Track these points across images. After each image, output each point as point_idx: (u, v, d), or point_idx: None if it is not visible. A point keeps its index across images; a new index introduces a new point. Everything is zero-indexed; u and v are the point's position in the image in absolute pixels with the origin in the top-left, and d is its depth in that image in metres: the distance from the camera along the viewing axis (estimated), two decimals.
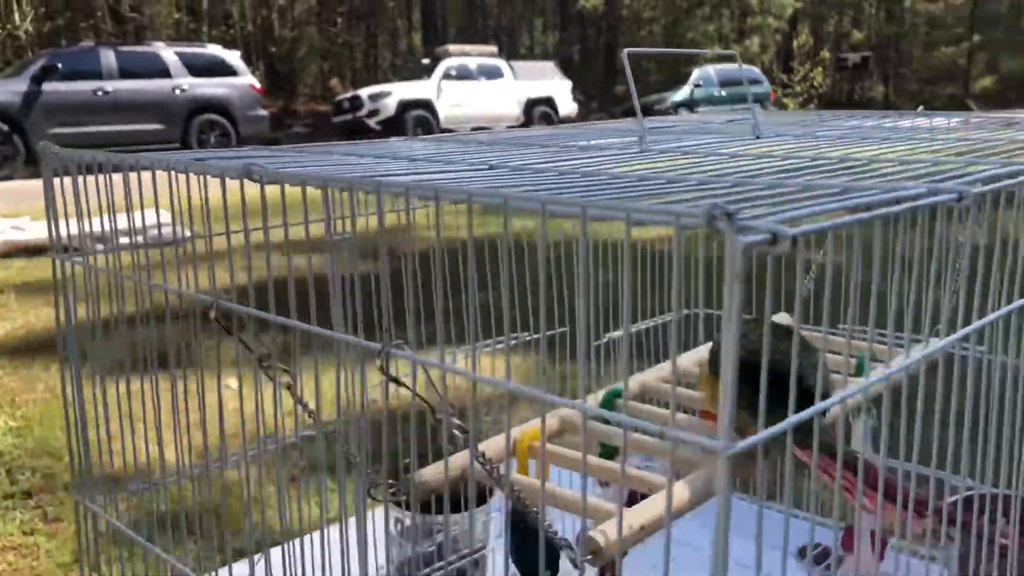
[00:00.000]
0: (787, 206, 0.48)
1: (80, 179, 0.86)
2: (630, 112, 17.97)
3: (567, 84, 16.59)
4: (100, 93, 11.63)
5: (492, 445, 0.84)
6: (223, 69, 12.76)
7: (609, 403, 0.93)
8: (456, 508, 1.13)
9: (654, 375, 0.99)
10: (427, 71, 15.54)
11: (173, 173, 0.74)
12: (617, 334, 1.38)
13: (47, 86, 11.26)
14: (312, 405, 0.74)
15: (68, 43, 16.49)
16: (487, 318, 1.09)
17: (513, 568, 0.95)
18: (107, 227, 0.86)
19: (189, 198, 0.73)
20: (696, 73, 17.62)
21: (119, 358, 0.88)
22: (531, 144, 1.03)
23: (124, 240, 0.86)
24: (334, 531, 0.77)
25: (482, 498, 1.15)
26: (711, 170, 0.73)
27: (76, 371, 0.92)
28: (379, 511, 1.00)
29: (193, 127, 12.40)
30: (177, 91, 12.27)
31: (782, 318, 1.28)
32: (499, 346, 1.22)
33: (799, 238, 0.40)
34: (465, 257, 0.52)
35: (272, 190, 0.65)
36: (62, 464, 2.43)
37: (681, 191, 0.56)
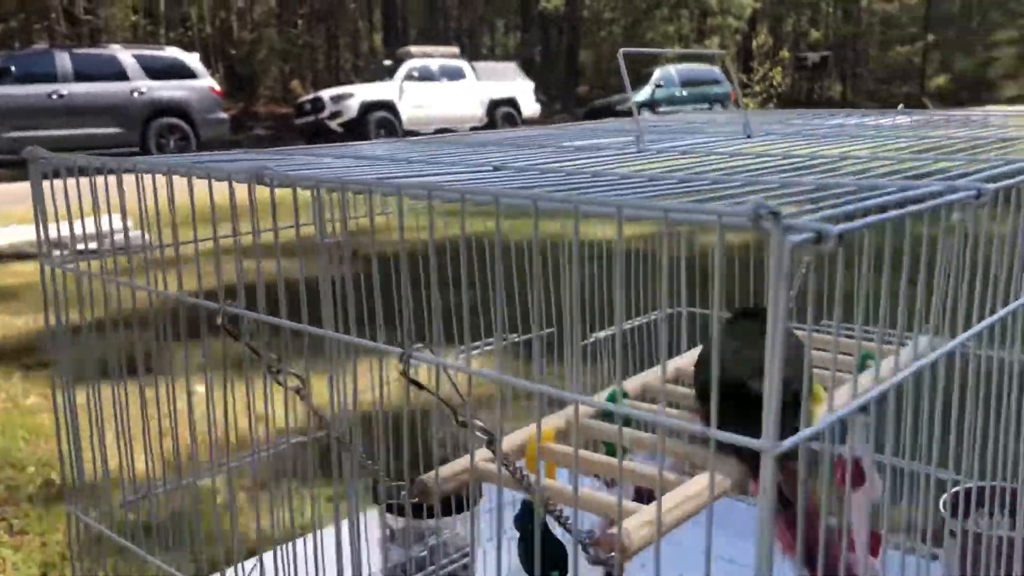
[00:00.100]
0: (826, 204, 0.48)
1: (70, 182, 0.84)
2: (593, 112, 17.98)
3: (530, 85, 16.61)
4: (55, 96, 11.45)
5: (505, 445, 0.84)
6: (182, 72, 12.62)
7: (612, 402, 0.93)
8: (446, 512, 1.13)
9: (654, 375, 0.99)
10: (389, 72, 15.48)
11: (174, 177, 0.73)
12: (603, 334, 1.38)
13: (0, 89, 11.06)
14: (311, 408, 0.73)
15: (21, 45, 16.21)
16: (476, 319, 1.08)
17: (509, 568, 0.95)
18: (93, 230, 0.85)
19: (191, 201, 0.72)
20: (657, 73, 17.72)
21: (113, 364, 0.86)
22: (525, 145, 1.03)
23: (114, 244, 0.84)
24: (328, 536, 0.77)
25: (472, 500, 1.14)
26: (719, 169, 0.73)
27: (69, 381, 0.90)
28: (370, 515, 0.99)
29: (152, 131, 12.25)
30: (135, 94, 12.12)
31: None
32: (488, 348, 1.21)
33: (843, 236, 0.41)
34: (493, 257, 0.51)
35: (263, 192, 0.64)
36: (25, 476, 2.38)
37: (727, 190, 0.56)
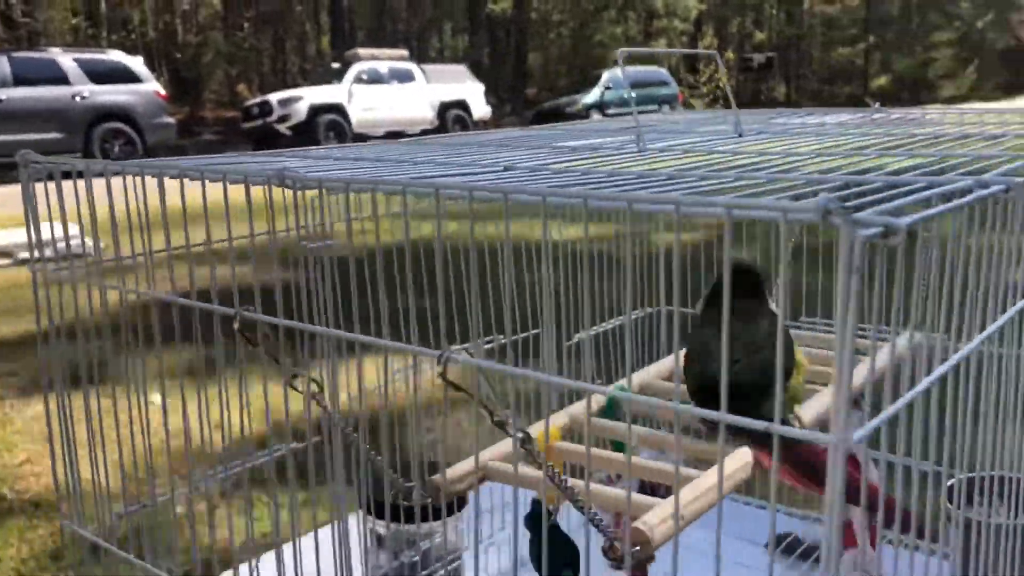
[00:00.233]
0: (865, 201, 0.48)
1: (64, 186, 0.82)
2: (542, 115, 17.92)
3: (480, 87, 16.61)
4: None
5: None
6: (125, 76, 12.39)
7: (614, 400, 0.93)
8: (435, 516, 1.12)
9: (654, 372, 1.00)
10: (337, 75, 15.37)
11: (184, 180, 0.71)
12: (584, 335, 1.38)
13: None
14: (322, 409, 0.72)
15: None
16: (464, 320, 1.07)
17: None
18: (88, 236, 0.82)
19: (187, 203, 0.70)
20: (606, 75, 17.84)
21: (95, 372, 0.84)
22: (520, 146, 1.02)
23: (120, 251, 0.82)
24: (324, 538, 0.76)
25: (460, 503, 1.14)
26: (734, 167, 0.74)
27: (64, 392, 0.88)
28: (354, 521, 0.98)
29: (95, 136, 12.01)
30: (77, 99, 11.88)
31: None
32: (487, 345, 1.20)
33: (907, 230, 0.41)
34: (541, 258, 0.51)
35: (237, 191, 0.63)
36: None
37: (785, 186, 0.56)
